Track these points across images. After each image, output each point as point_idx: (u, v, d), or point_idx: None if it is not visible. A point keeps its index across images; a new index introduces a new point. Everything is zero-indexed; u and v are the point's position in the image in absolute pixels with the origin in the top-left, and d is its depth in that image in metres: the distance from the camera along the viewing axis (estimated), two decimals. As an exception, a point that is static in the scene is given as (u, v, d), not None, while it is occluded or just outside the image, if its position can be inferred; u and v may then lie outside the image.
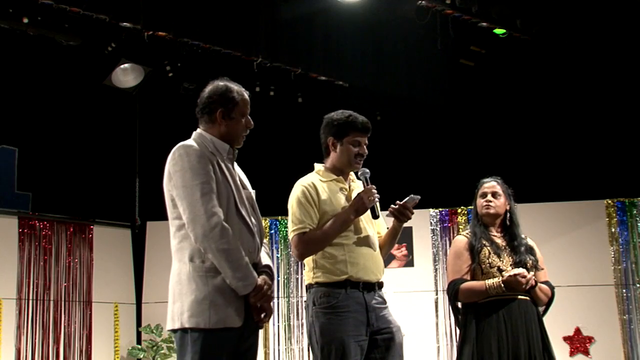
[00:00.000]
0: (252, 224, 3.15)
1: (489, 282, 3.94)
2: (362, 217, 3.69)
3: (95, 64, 7.38)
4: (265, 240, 3.31)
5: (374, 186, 3.69)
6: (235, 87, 3.25)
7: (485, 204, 4.11)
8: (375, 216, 3.72)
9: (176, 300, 3.04)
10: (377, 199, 3.66)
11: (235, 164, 3.28)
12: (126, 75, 7.52)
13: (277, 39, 7.65)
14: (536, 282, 3.98)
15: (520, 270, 3.90)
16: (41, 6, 6.51)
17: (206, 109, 3.22)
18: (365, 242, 3.69)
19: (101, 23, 6.79)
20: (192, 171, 3.04)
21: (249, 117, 3.27)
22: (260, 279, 3.06)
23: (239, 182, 3.20)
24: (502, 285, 3.90)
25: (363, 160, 3.78)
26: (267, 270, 3.16)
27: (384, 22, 7.97)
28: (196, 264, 3.03)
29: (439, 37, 7.75)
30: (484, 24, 7.58)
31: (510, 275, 3.89)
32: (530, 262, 4.03)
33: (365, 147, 3.77)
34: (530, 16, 7.61)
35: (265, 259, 3.23)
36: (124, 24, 6.85)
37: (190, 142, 3.16)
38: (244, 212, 3.13)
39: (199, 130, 3.24)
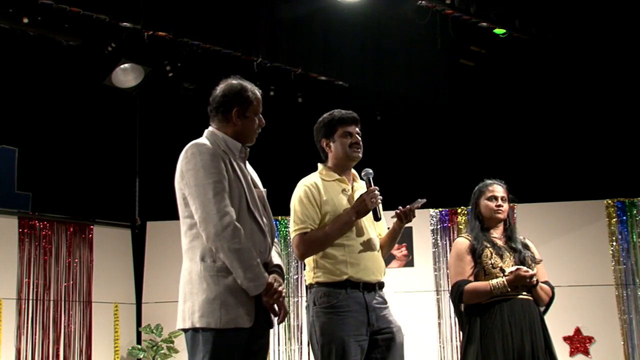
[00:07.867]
0: (264, 224, 3.16)
1: (493, 282, 3.98)
2: (363, 218, 3.68)
3: (95, 64, 7.38)
4: (275, 240, 3.30)
5: (376, 188, 3.68)
6: (249, 86, 3.25)
7: (496, 208, 4.17)
8: (377, 218, 3.71)
9: (187, 300, 3.03)
10: (379, 201, 3.66)
11: (247, 163, 3.27)
12: (126, 75, 7.52)
13: (277, 39, 7.64)
14: (537, 281, 4.02)
15: (521, 266, 3.97)
16: (41, 6, 6.50)
17: (221, 107, 3.20)
18: (366, 242, 3.68)
19: (101, 23, 6.79)
20: (204, 170, 3.02)
21: (261, 116, 3.28)
22: (270, 278, 3.06)
23: (250, 181, 3.19)
24: (506, 284, 3.94)
25: (360, 148, 3.77)
26: (277, 270, 3.16)
27: (384, 22, 7.98)
28: (207, 263, 3.01)
29: (439, 37, 7.76)
30: (484, 24, 7.58)
31: (511, 272, 3.93)
32: (530, 259, 4.09)
33: (357, 136, 3.76)
34: (530, 16, 7.61)
35: (276, 259, 3.22)
36: (124, 24, 6.84)
37: (202, 140, 3.15)
38: (255, 212, 3.12)
39: (210, 128, 3.22)
